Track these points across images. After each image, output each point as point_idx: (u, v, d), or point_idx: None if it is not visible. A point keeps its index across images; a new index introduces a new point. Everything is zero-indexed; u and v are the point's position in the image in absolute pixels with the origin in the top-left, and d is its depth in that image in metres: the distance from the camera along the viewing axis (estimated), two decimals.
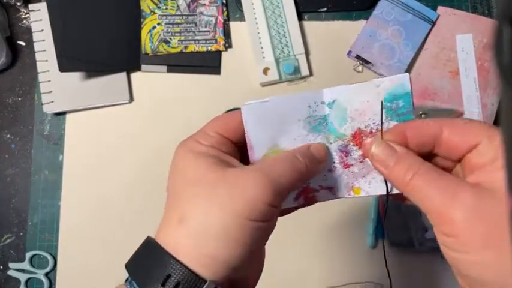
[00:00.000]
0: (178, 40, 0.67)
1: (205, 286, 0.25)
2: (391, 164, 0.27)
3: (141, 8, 0.67)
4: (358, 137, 0.30)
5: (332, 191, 0.32)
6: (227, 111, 0.65)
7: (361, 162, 0.30)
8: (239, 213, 0.26)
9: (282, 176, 0.27)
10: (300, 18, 0.68)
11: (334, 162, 0.31)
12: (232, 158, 0.29)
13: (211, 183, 0.27)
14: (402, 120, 0.29)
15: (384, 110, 0.29)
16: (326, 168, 0.31)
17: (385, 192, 0.30)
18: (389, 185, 0.30)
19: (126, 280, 0.28)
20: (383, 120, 0.29)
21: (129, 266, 0.28)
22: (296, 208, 0.32)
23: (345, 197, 0.32)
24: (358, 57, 0.67)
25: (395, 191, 0.29)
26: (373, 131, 0.29)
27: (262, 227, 0.27)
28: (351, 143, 0.30)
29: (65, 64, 0.64)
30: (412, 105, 0.28)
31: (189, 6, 0.68)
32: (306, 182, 0.31)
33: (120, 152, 0.66)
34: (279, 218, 0.29)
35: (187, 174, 0.28)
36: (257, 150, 0.30)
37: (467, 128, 0.26)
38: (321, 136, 0.31)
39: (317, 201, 0.32)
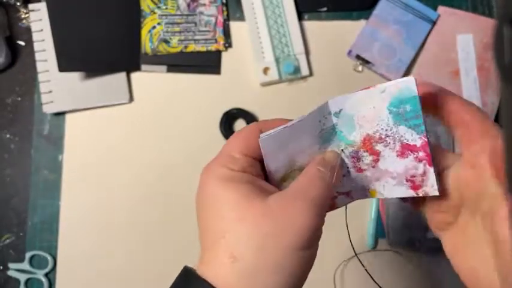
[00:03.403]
0: (178, 40, 0.67)
1: None
2: None
3: (141, 7, 0.67)
4: (367, 143, 0.30)
5: (349, 195, 0.32)
6: (226, 112, 0.65)
7: (373, 167, 0.31)
8: (292, 245, 0.25)
9: (319, 196, 0.27)
10: (300, 18, 0.68)
11: (347, 168, 0.31)
12: (264, 182, 0.29)
13: (258, 218, 0.26)
14: (411, 125, 0.28)
15: (391, 115, 0.28)
16: (341, 174, 0.31)
17: (399, 196, 0.30)
18: (404, 189, 0.30)
19: None
20: (391, 126, 0.29)
21: None
22: None
23: (361, 199, 0.32)
24: (358, 57, 0.67)
25: (409, 195, 0.29)
26: (382, 136, 0.29)
27: (312, 254, 0.27)
28: (362, 149, 0.30)
29: (65, 64, 0.64)
30: (421, 108, 0.27)
31: (189, 5, 0.68)
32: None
33: (119, 152, 0.66)
34: None
35: (229, 208, 0.27)
36: (276, 173, 0.30)
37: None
38: (332, 146, 0.31)
39: (337, 207, 0.33)
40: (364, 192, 0.32)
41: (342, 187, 0.32)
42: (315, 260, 0.28)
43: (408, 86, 0.27)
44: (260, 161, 0.30)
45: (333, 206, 0.32)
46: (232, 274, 0.25)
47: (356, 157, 0.31)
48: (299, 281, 0.26)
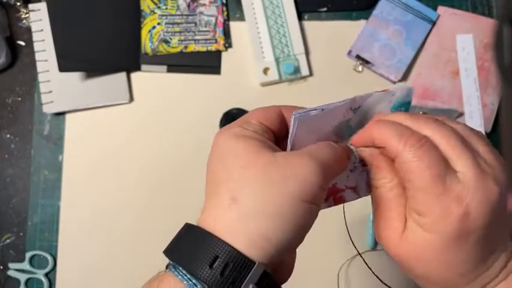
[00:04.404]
0: (178, 40, 0.67)
1: (254, 268, 0.25)
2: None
3: (141, 7, 0.67)
4: None
5: (355, 190, 0.33)
6: (226, 112, 0.65)
7: None
8: (293, 194, 0.26)
9: (326, 159, 0.28)
10: (300, 18, 0.68)
11: (355, 163, 0.32)
12: (275, 145, 0.29)
13: (263, 165, 0.26)
14: None
15: None
16: (348, 168, 0.32)
17: None
18: None
19: (167, 267, 0.28)
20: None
21: (170, 252, 0.27)
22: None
23: (366, 196, 0.33)
24: (358, 57, 0.67)
25: None
26: None
27: (313, 209, 0.27)
28: None
29: (65, 64, 0.64)
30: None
31: (189, 6, 0.68)
32: (333, 182, 0.32)
33: (120, 151, 0.66)
34: None
35: (236, 156, 0.27)
36: None
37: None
38: (346, 140, 0.32)
39: (345, 201, 0.33)
40: (369, 188, 0.32)
41: (349, 181, 0.33)
42: (314, 220, 0.28)
43: (408, 93, 0.32)
44: (275, 134, 0.30)
45: (341, 200, 0.33)
46: (231, 216, 0.25)
47: None
48: (296, 233, 0.26)
